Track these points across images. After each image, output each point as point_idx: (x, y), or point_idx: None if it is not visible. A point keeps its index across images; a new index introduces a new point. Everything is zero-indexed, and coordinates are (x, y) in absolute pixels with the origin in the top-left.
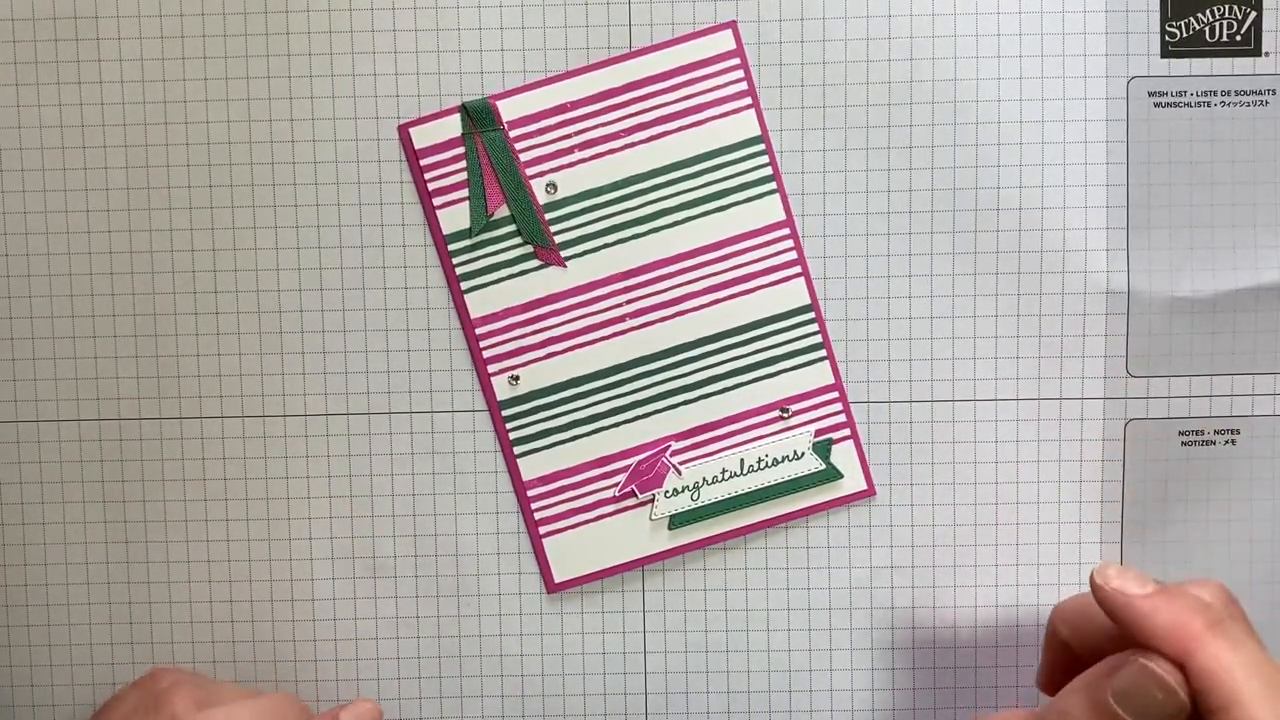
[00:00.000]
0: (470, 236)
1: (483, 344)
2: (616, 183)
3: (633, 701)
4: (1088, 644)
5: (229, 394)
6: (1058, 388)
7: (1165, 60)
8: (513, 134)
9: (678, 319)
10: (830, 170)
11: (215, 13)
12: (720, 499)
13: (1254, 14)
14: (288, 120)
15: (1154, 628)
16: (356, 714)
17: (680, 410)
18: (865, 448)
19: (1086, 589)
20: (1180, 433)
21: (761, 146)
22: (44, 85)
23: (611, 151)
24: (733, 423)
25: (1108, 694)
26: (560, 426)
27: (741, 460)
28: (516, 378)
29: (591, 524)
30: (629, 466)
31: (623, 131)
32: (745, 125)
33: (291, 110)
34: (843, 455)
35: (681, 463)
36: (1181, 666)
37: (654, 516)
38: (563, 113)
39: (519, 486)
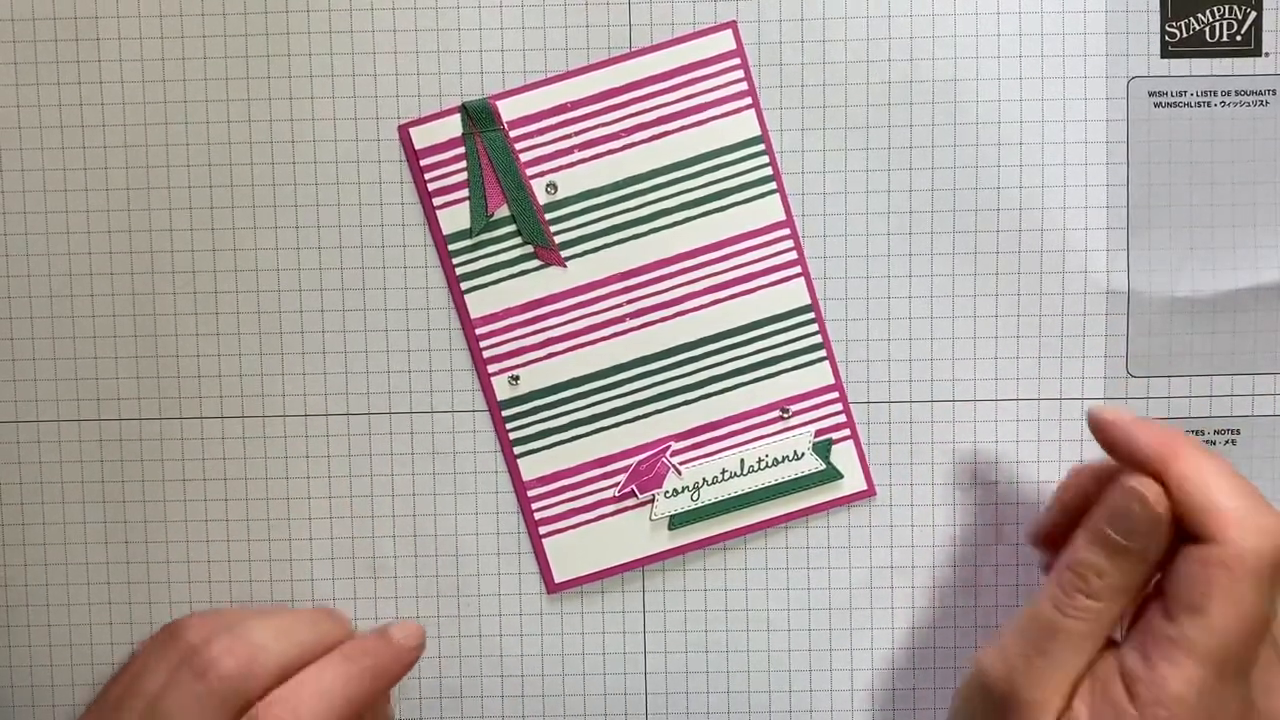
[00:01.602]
0: (470, 236)
1: (483, 344)
2: (616, 183)
3: (633, 701)
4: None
5: (229, 394)
6: (1058, 388)
7: (1165, 60)
8: (513, 134)
9: (678, 319)
10: (830, 170)
11: (215, 13)
12: (720, 499)
13: (1254, 14)
14: (288, 120)
15: (1138, 442)
16: (405, 632)
17: (680, 410)
18: (865, 448)
19: None
20: None
21: (761, 146)
22: (44, 85)
23: (611, 151)
24: (733, 423)
25: (1102, 521)
26: (560, 426)
27: (741, 460)
28: (516, 378)
29: (591, 524)
30: (629, 466)
31: (623, 131)
32: (745, 125)
33: (291, 110)
34: (843, 455)
35: (681, 463)
36: (1162, 479)
37: (654, 517)
38: (563, 113)
39: (519, 486)
